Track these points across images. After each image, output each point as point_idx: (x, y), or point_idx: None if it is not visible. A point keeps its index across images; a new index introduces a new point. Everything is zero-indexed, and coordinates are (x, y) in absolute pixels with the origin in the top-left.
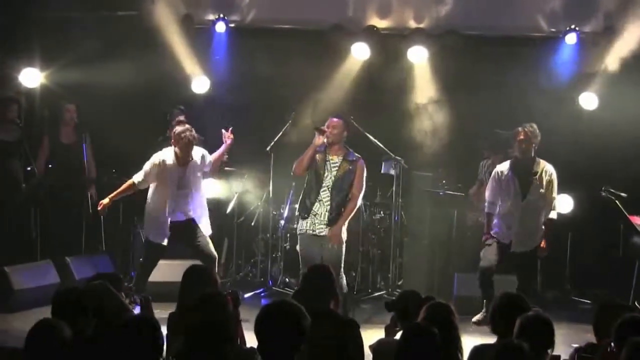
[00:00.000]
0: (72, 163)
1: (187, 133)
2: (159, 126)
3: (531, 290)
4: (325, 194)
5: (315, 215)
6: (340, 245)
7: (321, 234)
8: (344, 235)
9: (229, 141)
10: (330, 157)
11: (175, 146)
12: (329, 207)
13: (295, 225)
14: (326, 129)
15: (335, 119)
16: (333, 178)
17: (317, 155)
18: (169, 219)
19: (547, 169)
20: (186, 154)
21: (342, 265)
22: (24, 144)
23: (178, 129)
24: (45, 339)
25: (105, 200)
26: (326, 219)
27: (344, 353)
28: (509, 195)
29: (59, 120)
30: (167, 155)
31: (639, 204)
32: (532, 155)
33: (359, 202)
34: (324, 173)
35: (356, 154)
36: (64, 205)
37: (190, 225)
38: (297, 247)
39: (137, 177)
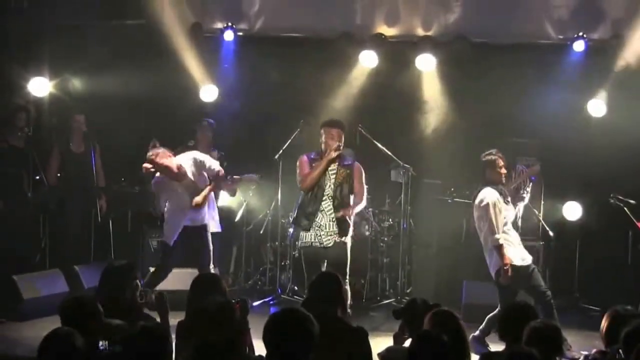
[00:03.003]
0: (82, 172)
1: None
2: (167, 134)
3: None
4: (326, 204)
5: (319, 227)
6: (344, 249)
7: (329, 245)
8: (349, 242)
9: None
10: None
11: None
12: (332, 216)
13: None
14: (339, 143)
15: (334, 129)
16: (332, 186)
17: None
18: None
19: None
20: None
21: (347, 272)
22: (32, 153)
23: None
24: (59, 348)
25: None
26: (331, 229)
27: None
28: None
29: (68, 130)
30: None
31: None
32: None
33: (364, 201)
34: (326, 182)
35: (350, 158)
36: (73, 214)
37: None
38: (301, 257)
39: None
